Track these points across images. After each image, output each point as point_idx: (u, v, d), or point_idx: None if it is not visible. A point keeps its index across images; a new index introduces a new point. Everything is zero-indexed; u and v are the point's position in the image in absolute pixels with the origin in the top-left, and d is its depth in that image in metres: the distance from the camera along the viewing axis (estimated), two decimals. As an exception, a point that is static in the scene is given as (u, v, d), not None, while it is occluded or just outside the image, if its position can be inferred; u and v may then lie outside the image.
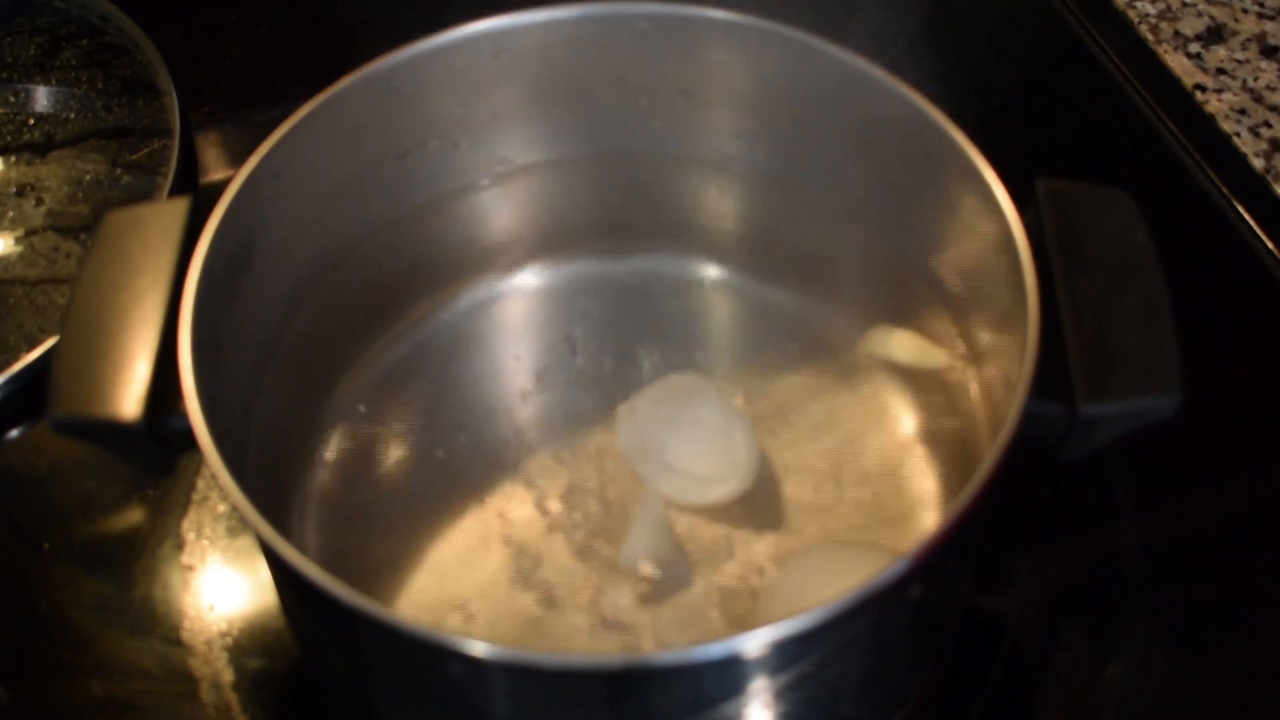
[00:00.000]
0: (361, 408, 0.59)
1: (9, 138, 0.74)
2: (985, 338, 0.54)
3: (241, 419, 0.52)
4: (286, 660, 0.56)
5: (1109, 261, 0.48)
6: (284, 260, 0.56)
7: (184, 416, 0.45)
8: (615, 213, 0.65)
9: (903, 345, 0.58)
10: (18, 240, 0.70)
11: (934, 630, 0.52)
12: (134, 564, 0.59)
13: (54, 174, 0.72)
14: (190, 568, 0.59)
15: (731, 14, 0.58)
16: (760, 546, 0.54)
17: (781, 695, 0.45)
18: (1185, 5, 0.82)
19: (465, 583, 0.54)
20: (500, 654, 0.40)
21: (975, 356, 0.55)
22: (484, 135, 0.62)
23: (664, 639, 0.52)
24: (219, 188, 0.51)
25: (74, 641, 0.57)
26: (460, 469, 0.57)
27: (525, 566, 0.54)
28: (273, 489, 0.53)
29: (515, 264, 0.64)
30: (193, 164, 0.74)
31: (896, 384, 0.59)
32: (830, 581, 0.50)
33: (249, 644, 0.56)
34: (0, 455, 0.64)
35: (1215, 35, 0.80)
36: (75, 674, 0.56)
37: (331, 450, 0.58)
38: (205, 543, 0.60)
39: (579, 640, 0.52)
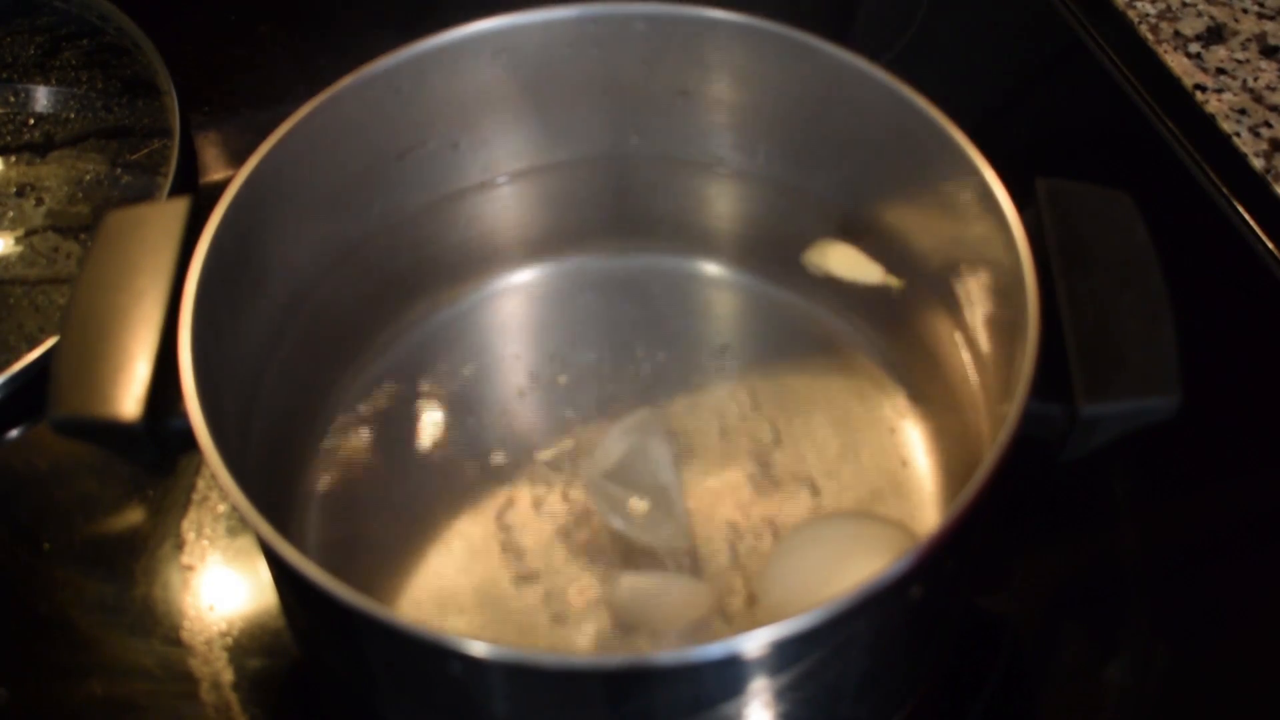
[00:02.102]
0: (361, 407, 0.59)
1: (9, 138, 0.74)
2: (985, 337, 0.54)
3: (242, 419, 0.52)
4: (286, 660, 0.56)
5: (1109, 261, 0.48)
6: (284, 260, 0.56)
7: (184, 416, 0.45)
8: (615, 213, 0.65)
9: (840, 258, 0.59)
10: (18, 240, 0.70)
11: (934, 630, 0.52)
12: (134, 564, 0.59)
13: (54, 174, 0.72)
14: (190, 568, 0.59)
15: (731, 14, 0.58)
16: (759, 547, 0.54)
17: (781, 695, 0.45)
18: (1185, 5, 0.82)
19: (465, 582, 0.54)
20: (500, 654, 0.40)
21: (976, 356, 0.55)
22: (484, 135, 0.62)
23: (664, 639, 0.52)
24: (219, 188, 0.51)
25: (74, 641, 0.57)
26: (460, 469, 0.57)
27: (525, 566, 0.54)
28: (273, 489, 0.53)
29: (515, 264, 0.64)
30: (193, 164, 0.74)
31: (897, 383, 0.59)
32: (826, 555, 0.51)
33: (249, 644, 0.56)
34: (0, 455, 0.64)
35: (1215, 35, 0.80)
36: (75, 674, 0.56)
37: (331, 450, 0.58)
38: (205, 543, 0.60)
39: (578, 640, 0.52)
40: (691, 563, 0.54)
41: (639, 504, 0.54)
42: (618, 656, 0.48)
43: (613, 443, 0.56)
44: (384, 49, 0.57)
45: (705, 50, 0.59)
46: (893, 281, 0.58)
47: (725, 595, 0.53)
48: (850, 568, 0.50)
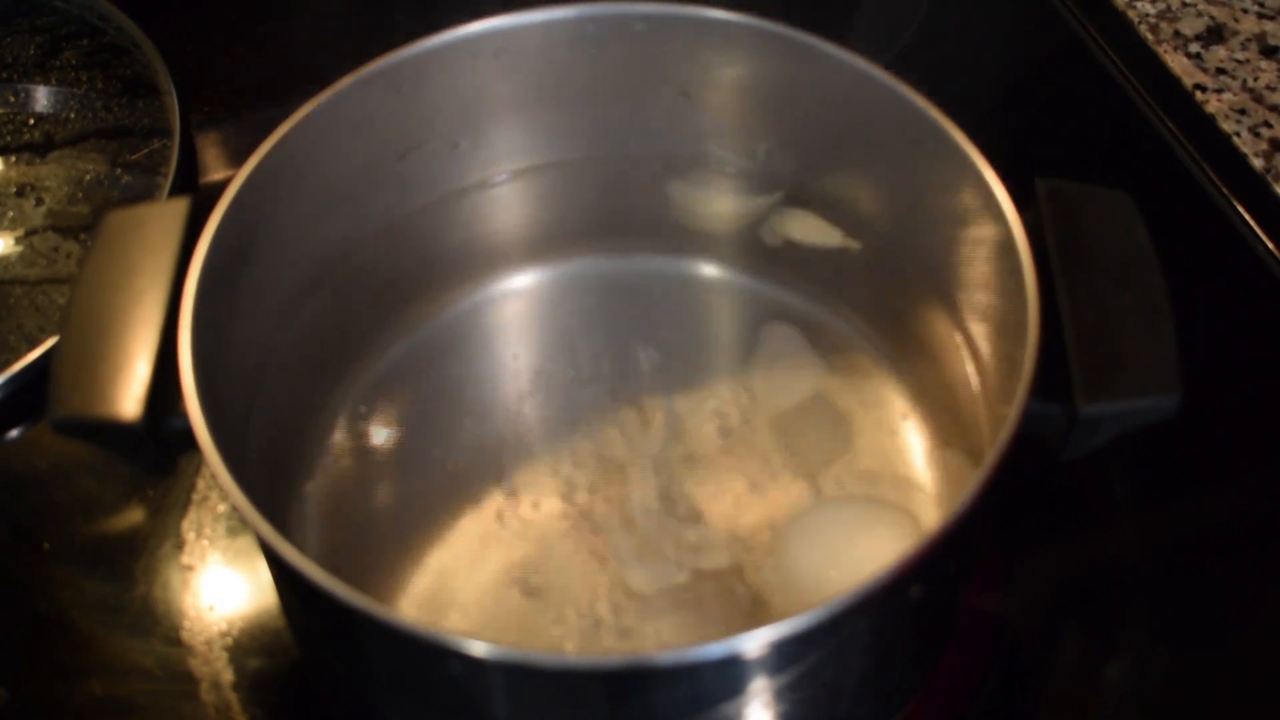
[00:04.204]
0: (361, 407, 0.59)
1: (9, 138, 0.74)
2: (985, 337, 0.54)
3: (241, 419, 0.52)
4: (286, 660, 0.56)
5: (1109, 261, 0.48)
6: (284, 260, 0.56)
7: (184, 416, 0.45)
8: (615, 213, 0.65)
9: (799, 225, 0.60)
10: (18, 240, 0.70)
11: (934, 630, 0.52)
12: (134, 564, 0.59)
13: (54, 174, 0.72)
14: (190, 568, 0.59)
15: (731, 14, 0.58)
16: (760, 547, 0.54)
17: (781, 695, 0.45)
18: (1185, 5, 0.82)
19: (465, 582, 0.54)
20: (500, 654, 0.40)
21: (976, 356, 0.55)
22: (484, 135, 0.62)
23: (664, 638, 0.52)
24: (219, 188, 0.51)
25: (74, 641, 0.57)
26: (460, 469, 0.57)
27: (525, 566, 0.54)
28: (273, 489, 0.53)
29: (515, 264, 0.64)
30: (193, 164, 0.74)
31: (897, 383, 0.59)
32: (835, 538, 0.52)
33: (249, 644, 0.56)
34: (0, 455, 0.64)
35: (1215, 35, 0.80)
36: (75, 674, 0.56)
37: (332, 450, 0.58)
38: (205, 543, 0.60)
39: (578, 639, 0.52)
40: (695, 563, 0.54)
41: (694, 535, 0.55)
42: (618, 656, 0.48)
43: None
44: (384, 49, 0.57)
45: (705, 50, 0.59)
46: (852, 244, 0.58)
47: (724, 604, 0.53)
48: (859, 550, 0.50)
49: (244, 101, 0.79)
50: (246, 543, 0.59)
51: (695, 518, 0.55)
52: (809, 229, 0.60)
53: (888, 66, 0.55)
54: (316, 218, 0.57)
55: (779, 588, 0.52)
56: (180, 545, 0.60)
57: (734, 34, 0.58)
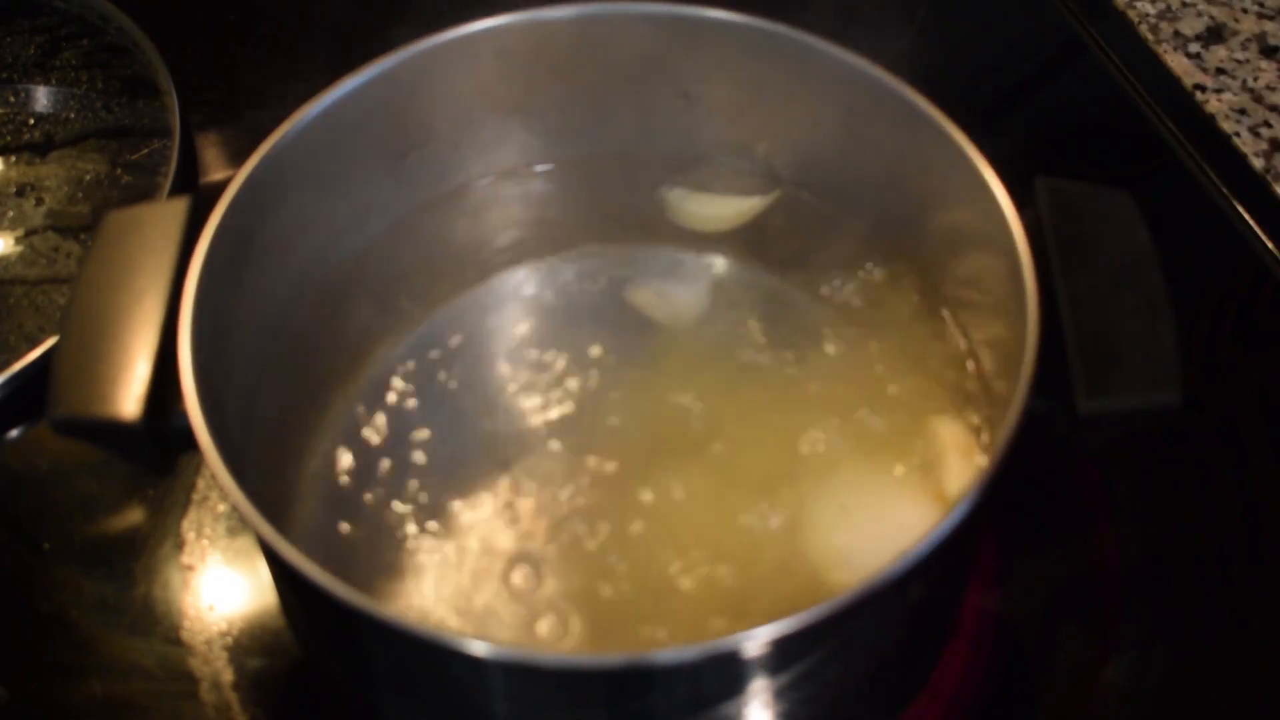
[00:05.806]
0: (361, 406, 0.59)
1: (9, 138, 0.74)
2: (986, 337, 0.54)
3: (242, 419, 0.52)
4: (286, 660, 0.56)
5: (1109, 261, 0.48)
6: (284, 260, 0.56)
7: (184, 416, 0.45)
8: (615, 212, 0.65)
9: (697, 204, 0.62)
10: (18, 240, 0.70)
11: (934, 630, 0.52)
12: (134, 564, 0.59)
13: (54, 174, 0.72)
14: (190, 568, 0.59)
15: (731, 14, 0.58)
16: (768, 543, 0.54)
17: (781, 694, 0.45)
18: (1185, 5, 0.82)
19: (466, 581, 0.54)
20: (501, 654, 0.40)
21: (976, 355, 0.55)
22: (484, 135, 0.62)
23: (674, 635, 0.52)
24: (219, 188, 0.51)
25: (74, 641, 0.57)
26: (460, 468, 0.57)
27: (526, 565, 0.54)
28: (273, 490, 0.53)
29: (515, 263, 0.64)
30: (193, 164, 0.74)
31: (898, 382, 0.59)
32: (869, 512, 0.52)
33: (249, 644, 0.56)
34: (0, 455, 0.64)
35: (1215, 35, 0.80)
36: (75, 674, 0.56)
37: (331, 450, 0.58)
38: (205, 543, 0.60)
39: (580, 639, 0.52)
40: (700, 556, 0.54)
41: None
42: (618, 656, 0.48)
43: None
44: (384, 49, 0.57)
45: (705, 50, 0.59)
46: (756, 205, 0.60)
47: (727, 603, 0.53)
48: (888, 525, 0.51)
49: (244, 101, 0.79)
50: (246, 543, 0.59)
51: (701, 511, 0.55)
52: (707, 208, 0.61)
53: (888, 66, 0.55)
54: (316, 217, 0.57)
55: (791, 577, 0.52)
56: (180, 545, 0.60)
57: (734, 34, 0.58)
